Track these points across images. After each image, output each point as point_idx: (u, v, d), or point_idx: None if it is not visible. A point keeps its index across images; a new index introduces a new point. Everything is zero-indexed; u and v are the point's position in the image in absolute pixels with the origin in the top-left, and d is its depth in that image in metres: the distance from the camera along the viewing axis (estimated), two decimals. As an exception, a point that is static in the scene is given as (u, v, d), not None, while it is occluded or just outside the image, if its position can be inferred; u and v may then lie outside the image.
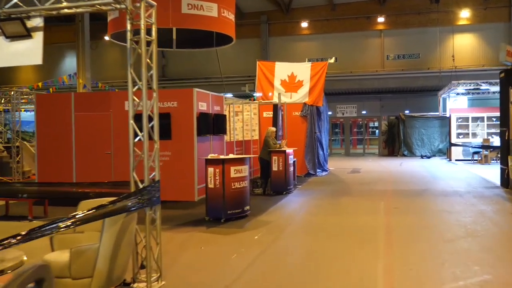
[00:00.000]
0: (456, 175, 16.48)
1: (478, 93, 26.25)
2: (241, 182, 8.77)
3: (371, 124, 33.67)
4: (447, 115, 26.04)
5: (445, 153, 25.81)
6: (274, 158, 12.16)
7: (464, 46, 27.77)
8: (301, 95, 16.84)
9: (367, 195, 12.10)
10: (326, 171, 17.63)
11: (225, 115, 12.96)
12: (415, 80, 28.07)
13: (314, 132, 16.51)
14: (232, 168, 8.60)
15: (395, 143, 28.52)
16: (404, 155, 27.04)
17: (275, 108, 14.34)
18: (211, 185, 8.61)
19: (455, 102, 26.80)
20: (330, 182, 15.05)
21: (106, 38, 33.51)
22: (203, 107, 11.62)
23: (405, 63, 28.69)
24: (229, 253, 6.64)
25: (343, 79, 28.72)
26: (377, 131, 31.87)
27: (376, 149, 30.89)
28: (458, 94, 26.25)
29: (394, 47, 29.10)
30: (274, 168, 12.17)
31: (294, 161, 13.52)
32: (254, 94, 17.43)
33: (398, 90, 29.62)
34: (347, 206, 10.54)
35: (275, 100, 16.46)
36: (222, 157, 8.69)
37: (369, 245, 7.05)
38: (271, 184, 12.24)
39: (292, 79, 17.10)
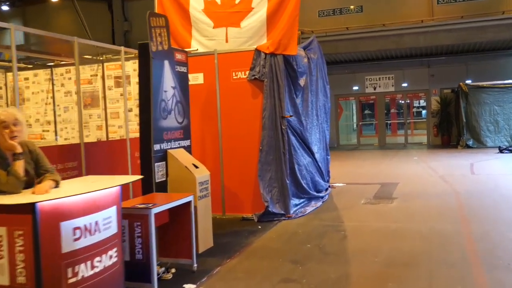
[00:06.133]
0: None
1: None
2: None
3: (416, 103, 27.18)
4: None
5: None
6: None
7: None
8: (249, 33, 7.48)
9: None
10: (321, 197, 8.35)
11: None
12: (481, 32, 19.48)
13: (282, 117, 7.18)
14: None
15: (452, 128, 21.41)
16: (468, 146, 19.18)
17: (143, 60, 5.18)
18: None
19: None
20: (303, 261, 5.58)
21: None
22: None
23: (465, 7, 20.47)
24: None
25: (372, 37, 20.92)
26: (424, 111, 25.11)
27: (424, 135, 23.61)
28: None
29: (447, -16, 21.17)
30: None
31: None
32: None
33: (455, 50, 21.86)
34: None
35: (193, 46, 7.28)
36: None
37: None
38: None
39: (228, -2, 7.73)
